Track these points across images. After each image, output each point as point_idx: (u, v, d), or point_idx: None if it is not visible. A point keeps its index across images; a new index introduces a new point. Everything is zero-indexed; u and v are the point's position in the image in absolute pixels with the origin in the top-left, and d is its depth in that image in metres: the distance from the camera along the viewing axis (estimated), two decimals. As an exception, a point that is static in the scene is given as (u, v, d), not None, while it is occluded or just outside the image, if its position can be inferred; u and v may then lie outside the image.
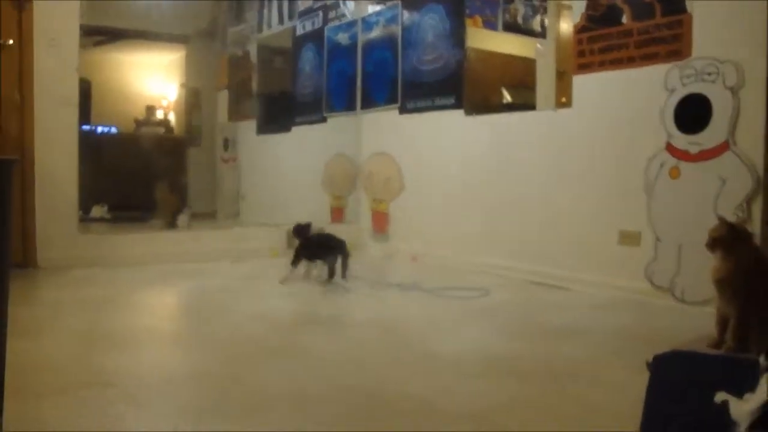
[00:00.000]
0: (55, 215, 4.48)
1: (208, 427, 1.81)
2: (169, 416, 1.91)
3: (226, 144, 7.77)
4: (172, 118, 8.69)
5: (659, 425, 1.80)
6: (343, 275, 4.00)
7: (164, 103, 8.70)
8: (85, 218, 5.50)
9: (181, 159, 8.16)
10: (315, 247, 4.12)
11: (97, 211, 6.61)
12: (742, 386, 1.69)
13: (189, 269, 4.53)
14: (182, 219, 6.14)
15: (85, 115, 6.35)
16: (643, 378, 1.88)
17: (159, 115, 8.61)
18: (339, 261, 3.99)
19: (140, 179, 7.33)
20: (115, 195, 6.92)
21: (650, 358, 2.17)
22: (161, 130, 8.48)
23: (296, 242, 4.16)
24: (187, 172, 8.14)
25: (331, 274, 3.99)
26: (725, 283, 2.41)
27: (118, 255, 4.68)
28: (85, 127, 6.81)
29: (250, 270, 4.61)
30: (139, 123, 8.34)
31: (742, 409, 1.64)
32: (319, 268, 4.10)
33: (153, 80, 8.73)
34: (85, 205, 5.57)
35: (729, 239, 2.41)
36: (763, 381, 1.68)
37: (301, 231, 4.16)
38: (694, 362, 2.25)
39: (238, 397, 2.05)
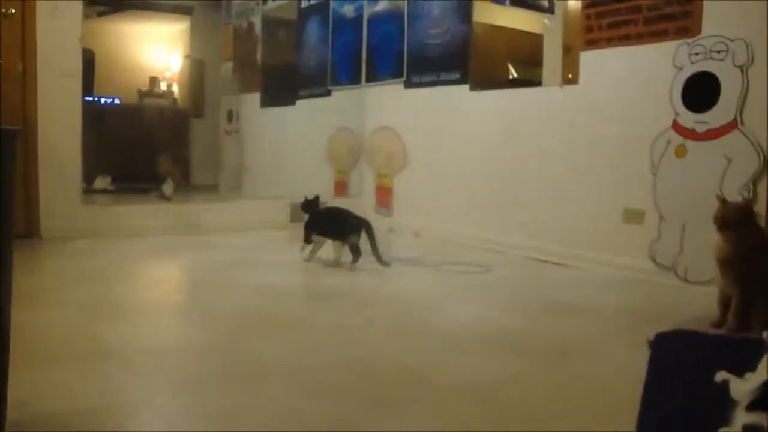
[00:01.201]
0: (59, 186, 4.47)
1: (207, 397, 1.82)
2: (168, 386, 1.93)
3: (230, 116, 7.74)
4: (175, 89, 8.65)
5: (660, 403, 1.81)
6: (379, 259, 3.68)
7: (168, 74, 8.66)
8: (88, 189, 5.51)
9: (185, 131, 8.14)
10: (326, 222, 3.86)
11: (100, 182, 6.61)
12: (743, 365, 1.69)
13: (191, 241, 4.53)
14: (167, 188, 6.14)
15: (88, 85, 6.33)
16: (644, 356, 1.88)
17: (162, 86, 8.58)
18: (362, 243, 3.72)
19: (143, 151, 7.33)
20: (118, 166, 6.92)
21: (651, 337, 2.18)
22: (164, 101, 8.46)
23: (303, 216, 3.92)
24: (191, 144, 8.13)
25: (356, 255, 3.71)
26: (728, 263, 2.40)
27: (120, 226, 4.69)
28: (88, 98, 6.79)
29: (253, 242, 4.61)
30: (142, 94, 8.31)
31: (742, 388, 1.64)
32: (335, 248, 3.80)
33: (157, 51, 8.69)
34: (88, 176, 5.57)
35: (737, 219, 2.40)
36: (763, 360, 1.69)
37: (308, 205, 3.90)
38: (695, 341, 2.25)
39: (237, 367, 2.07)
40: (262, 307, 2.86)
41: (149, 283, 3.47)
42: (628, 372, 2.00)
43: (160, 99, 8.44)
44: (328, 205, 4.27)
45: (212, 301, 2.98)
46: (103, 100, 7.75)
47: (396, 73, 5.40)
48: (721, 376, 1.69)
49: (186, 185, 7.44)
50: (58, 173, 4.47)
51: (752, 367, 1.67)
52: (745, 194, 3.13)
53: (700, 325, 2.50)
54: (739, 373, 1.68)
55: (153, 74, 8.52)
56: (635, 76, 3.70)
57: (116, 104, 7.90)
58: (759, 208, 3.08)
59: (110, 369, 2.01)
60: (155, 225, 4.82)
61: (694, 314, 2.71)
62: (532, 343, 2.44)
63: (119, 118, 7.71)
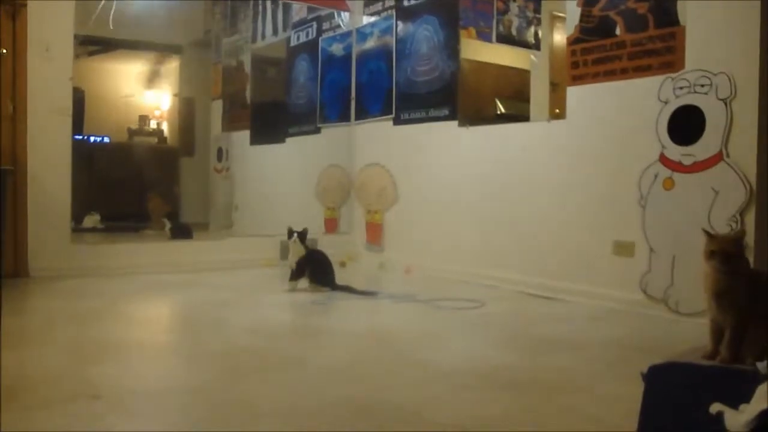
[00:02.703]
0: (48, 225, 4.45)
1: (200, 439, 1.79)
2: (159, 428, 1.89)
3: (221, 154, 7.75)
4: (165, 127, 8.67)
5: (655, 436, 1.80)
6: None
7: (157, 113, 8.68)
8: (77, 228, 5.47)
9: (174, 169, 8.13)
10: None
11: (90, 220, 6.56)
12: (737, 397, 1.69)
13: (182, 280, 4.50)
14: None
15: (78, 124, 6.34)
16: (638, 389, 1.87)
17: (152, 124, 8.59)
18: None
19: (133, 189, 7.31)
20: (108, 205, 6.88)
21: (645, 370, 2.16)
22: (154, 139, 8.46)
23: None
24: (180, 182, 8.11)
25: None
26: (723, 295, 2.41)
27: (110, 265, 4.65)
28: (78, 137, 6.79)
29: (243, 281, 4.59)
30: (131, 132, 8.32)
31: (737, 419, 1.63)
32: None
33: (147, 90, 8.72)
34: (77, 215, 5.54)
35: (736, 251, 2.42)
36: (758, 391, 1.68)
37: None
38: (689, 373, 2.24)
39: (229, 409, 2.03)
40: (254, 347, 2.83)
41: (139, 323, 3.43)
42: (623, 406, 1.99)
43: (150, 137, 8.45)
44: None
45: (203, 340, 2.95)
46: (92, 139, 7.74)
47: (385, 110, 5.44)
48: (716, 407, 1.68)
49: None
50: (47, 212, 4.45)
51: (747, 399, 1.66)
52: (733, 225, 3.16)
53: (692, 357, 2.50)
54: (734, 404, 1.67)
55: (142, 113, 8.54)
56: (621, 111, 3.74)
57: (106, 143, 7.90)
58: (747, 239, 3.10)
59: (98, 411, 1.97)
60: (145, 263, 4.79)
61: (687, 346, 2.71)
62: (526, 378, 2.43)
63: (109, 156, 7.69)
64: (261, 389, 2.24)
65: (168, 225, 5.90)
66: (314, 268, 4.14)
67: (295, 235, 4.11)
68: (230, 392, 2.20)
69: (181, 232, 5.89)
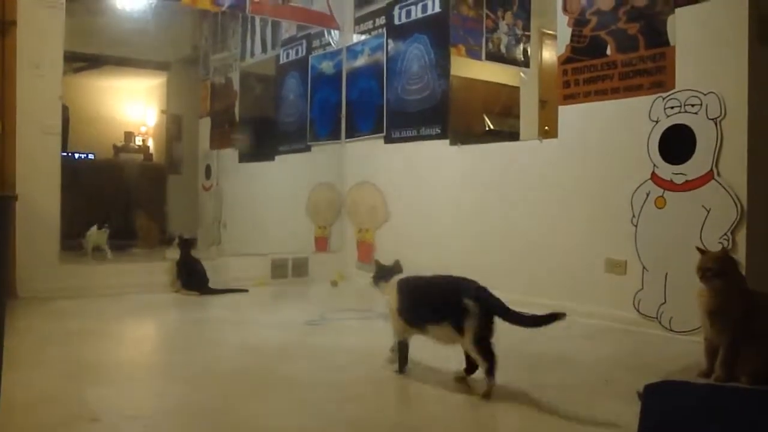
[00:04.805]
0: (36, 245, 4.39)
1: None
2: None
3: (209, 171, 7.73)
4: (150, 144, 8.63)
5: (658, 457, 1.80)
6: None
7: (143, 129, 8.65)
8: (72, 246, 5.38)
9: (162, 186, 8.09)
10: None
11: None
12: (732, 415, 1.70)
13: (173, 299, 4.47)
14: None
15: (63, 141, 6.30)
16: (632, 407, 1.88)
17: (138, 141, 8.55)
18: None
19: (119, 207, 7.25)
20: (94, 222, 6.82)
21: (640, 388, 2.18)
22: (140, 156, 8.42)
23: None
24: (167, 200, 8.07)
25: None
26: (717, 313, 2.43)
27: (100, 285, 4.61)
28: (63, 154, 6.74)
29: (235, 300, 4.56)
30: (117, 149, 8.28)
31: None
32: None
33: (132, 106, 8.69)
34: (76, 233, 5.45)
35: (724, 268, 2.45)
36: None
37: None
38: (684, 391, 2.26)
39: (225, 430, 2.02)
40: (252, 367, 2.82)
41: (133, 343, 3.40)
42: (618, 424, 2.00)
43: (136, 154, 8.41)
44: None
45: (198, 360, 2.93)
46: (77, 156, 7.69)
47: (376, 129, 5.46)
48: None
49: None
50: (36, 232, 4.39)
51: (741, 417, 1.67)
52: (725, 244, 3.19)
53: (688, 375, 2.52)
54: (729, 423, 1.68)
55: (128, 129, 8.51)
56: (613, 130, 3.78)
57: (91, 159, 7.84)
58: (738, 257, 3.13)
59: (98, 435, 1.95)
60: (135, 283, 4.74)
61: (681, 364, 2.73)
62: (520, 396, 2.42)
63: (94, 173, 7.63)
64: (257, 409, 2.23)
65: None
66: (186, 274, 4.63)
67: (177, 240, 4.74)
68: (226, 412, 2.18)
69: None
